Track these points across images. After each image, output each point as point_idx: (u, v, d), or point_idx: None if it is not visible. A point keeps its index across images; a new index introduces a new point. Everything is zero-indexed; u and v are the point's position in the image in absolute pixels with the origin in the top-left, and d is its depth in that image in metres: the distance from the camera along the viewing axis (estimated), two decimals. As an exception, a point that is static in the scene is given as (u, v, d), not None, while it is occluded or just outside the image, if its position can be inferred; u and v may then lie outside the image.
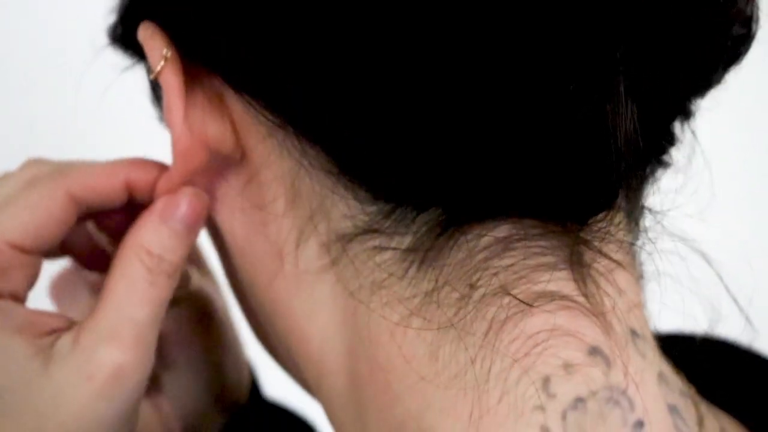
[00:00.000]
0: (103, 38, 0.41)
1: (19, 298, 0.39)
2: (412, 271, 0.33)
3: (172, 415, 0.46)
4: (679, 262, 0.36)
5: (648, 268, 0.37)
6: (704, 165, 0.37)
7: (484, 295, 0.32)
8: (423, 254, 0.33)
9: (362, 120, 0.31)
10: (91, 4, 0.41)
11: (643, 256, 0.36)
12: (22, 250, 0.38)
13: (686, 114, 0.35)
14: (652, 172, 0.35)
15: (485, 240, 0.32)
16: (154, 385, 0.46)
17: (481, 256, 0.32)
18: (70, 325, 0.38)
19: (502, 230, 0.32)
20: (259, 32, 0.32)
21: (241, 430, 0.49)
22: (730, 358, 0.42)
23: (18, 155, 0.44)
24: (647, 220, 0.36)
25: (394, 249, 0.33)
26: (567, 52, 0.29)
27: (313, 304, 0.36)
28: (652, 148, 0.33)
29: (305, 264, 0.36)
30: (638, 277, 0.36)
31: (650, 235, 0.36)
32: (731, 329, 0.39)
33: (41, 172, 0.39)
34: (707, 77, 0.34)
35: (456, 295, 0.33)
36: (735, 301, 0.36)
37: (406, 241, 0.33)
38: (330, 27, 0.30)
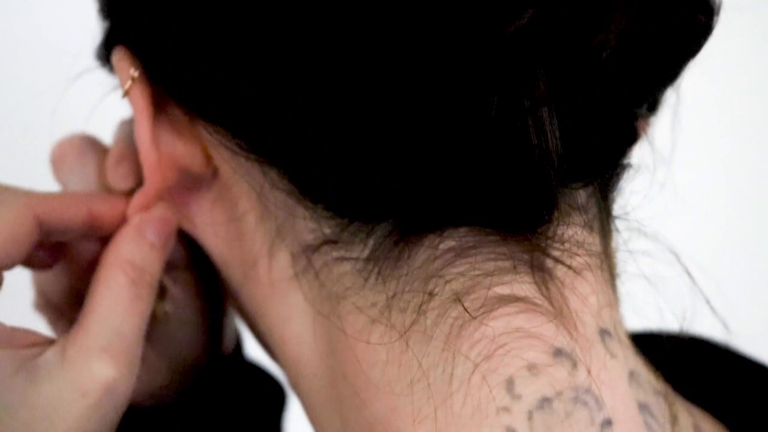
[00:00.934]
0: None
1: None
2: (371, 281, 0.34)
3: (160, 367, 0.46)
4: (653, 262, 0.37)
5: (623, 268, 0.37)
6: (675, 163, 0.37)
7: (442, 302, 0.33)
8: (381, 264, 0.34)
9: (314, 146, 0.33)
10: (93, 6, 0.41)
11: (617, 257, 0.37)
12: None
13: (647, 110, 0.36)
14: (619, 174, 0.36)
15: (440, 249, 0.33)
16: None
17: (436, 264, 0.33)
18: (48, 339, 0.38)
19: (456, 239, 0.33)
20: (210, 63, 0.34)
21: (223, 380, 0.49)
22: (707, 355, 0.42)
23: (18, 156, 0.44)
24: (618, 221, 0.36)
25: (355, 259, 0.34)
26: (487, 72, 0.30)
27: (288, 310, 0.37)
28: (606, 154, 0.34)
29: (278, 273, 0.37)
30: (611, 277, 0.36)
31: (622, 236, 0.36)
32: (708, 327, 0.39)
33: None
34: (663, 72, 0.34)
35: (415, 302, 0.34)
36: (707, 300, 0.36)
37: (366, 251, 0.34)
38: (274, 58, 0.32)
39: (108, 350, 0.36)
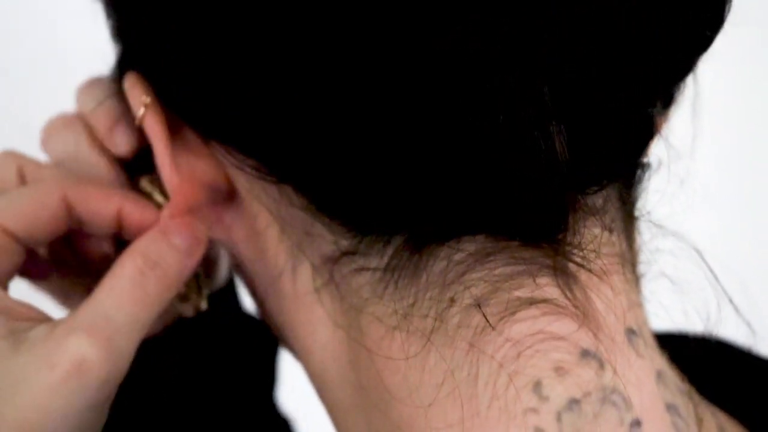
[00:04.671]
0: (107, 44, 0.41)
1: (1, 284, 0.39)
2: (390, 290, 0.34)
3: None
4: (678, 262, 0.36)
5: (648, 268, 0.37)
6: (698, 160, 0.37)
7: (463, 308, 0.33)
8: (400, 272, 0.34)
9: (327, 163, 0.32)
10: (96, 7, 0.41)
11: (643, 256, 0.37)
12: (13, 237, 0.39)
13: (663, 106, 0.35)
14: (638, 174, 0.36)
15: (458, 255, 0.33)
16: None
17: (456, 270, 0.33)
18: (47, 317, 0.38)
19: (474, 245, 0.33)
20: (221, 86, 0.33)
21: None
22: (727, 357, 0.42)
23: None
24: (641, 220, 0.36)
25: (374, 269, 0.34)
26: (494, 91, 0.30)
27: (313, 322, 0.37)
28: (618, 156, 0.33)
29: (302, 286, 0.37)
30: (635, 277, 0.36)
31: (645, 235, 0.36)
32: (731, 329, 0.39)
33: (34, 171, 0.40)
34: (676, 67, 0.34)
35: (436, 309, 0.33)
36: (730, 300, 0.36)
37: (384, 261, 0.34)
38: (286, 80, 0.31)
39: (90, 330, 0.35)
